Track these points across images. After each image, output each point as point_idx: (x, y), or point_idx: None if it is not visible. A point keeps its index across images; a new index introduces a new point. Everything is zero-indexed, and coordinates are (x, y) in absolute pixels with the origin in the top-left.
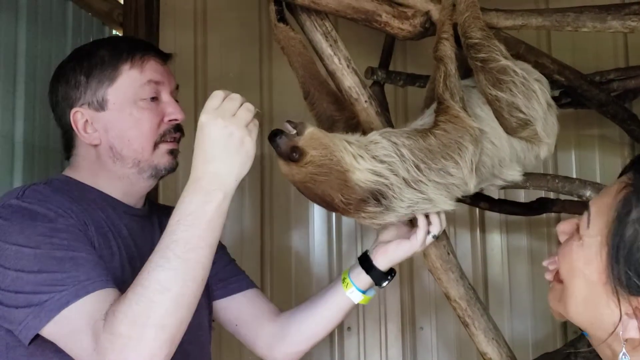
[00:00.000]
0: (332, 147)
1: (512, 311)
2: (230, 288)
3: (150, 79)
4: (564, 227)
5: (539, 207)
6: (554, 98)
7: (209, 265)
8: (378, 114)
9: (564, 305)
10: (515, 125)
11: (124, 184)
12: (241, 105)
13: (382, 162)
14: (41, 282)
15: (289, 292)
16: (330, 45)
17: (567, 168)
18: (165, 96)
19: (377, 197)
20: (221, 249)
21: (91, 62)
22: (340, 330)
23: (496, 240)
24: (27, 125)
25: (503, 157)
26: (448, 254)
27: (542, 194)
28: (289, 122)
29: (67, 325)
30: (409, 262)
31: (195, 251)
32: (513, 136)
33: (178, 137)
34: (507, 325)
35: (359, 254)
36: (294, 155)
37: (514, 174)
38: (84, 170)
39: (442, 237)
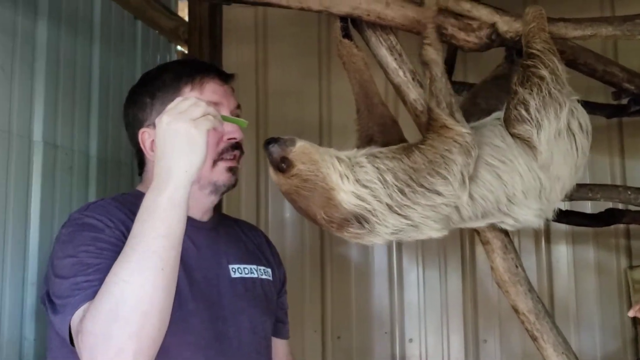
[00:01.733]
0: (320, 164)
1: (579, 325)
2: (276, 329)
3: (209, 100)
4: None
5: (608, 219)
6: (622, 106)
7: (169, 255)
8: None
9: None
10: (512, 118)
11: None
12: (196, 104)
13: (364, 186)
14: (68, 287)
15: (349, 302)
16: (395, 59)
17: (635, 178)
18: (222, 113)
19: (360, 220)
20: (284, 293)
21: (155, 85)
22: (402, 342)
23: (562, 252)
24: (101, 140)
25: (512, 194)
26: (516, 266)
27: (609, 204)
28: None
29: (74, 327)
30: (472, 274)
31: (150, 242)
32: (509, 131)
33: (237, 155)
34: (574, 339)
35: (420, 263)
36: (282, 165)
37: (527, 214)
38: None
39: (510, 250)
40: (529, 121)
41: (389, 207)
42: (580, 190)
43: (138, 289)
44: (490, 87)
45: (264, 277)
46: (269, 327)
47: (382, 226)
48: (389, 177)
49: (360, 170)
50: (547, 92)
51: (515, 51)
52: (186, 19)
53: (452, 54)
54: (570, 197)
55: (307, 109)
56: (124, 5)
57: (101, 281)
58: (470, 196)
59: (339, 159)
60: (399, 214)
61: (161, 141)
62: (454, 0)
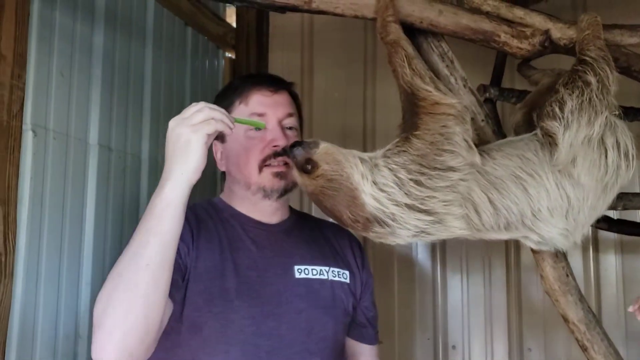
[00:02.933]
0: (344, 164)
1: (627, 336)
2: (359, 334)
3: (253, 112)
4: None
5: None
6: None
7: (156, 252)
8: (495, 133)
9: None
10: (545, 113)
11: (248, 203)
12: (200, 110)
13: (381, 190)
14: None
15: (392, 308)
16: (447, 66)
17: None
18: (271, 124)
19: (380, 222)
20: (368, 298)
21: (220, 99)
22: (445, 348)
23: (610, 261)
24: (152, 143)
25: (538, 209)
26: (567, 275)
27: None
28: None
29: None
30: (517, 281)
31: (142, 239)
32: (539, 124)
33: (284, 160)
34: (622, 351)
35: (464, 270)
36: (307, 167)
37: (552, 232)
38: (225, 193)
39: (560, 259)
40: (560, 119)
41: (409, 207)
42: (634, 200)
43: (129, 283)
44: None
45: (336, 279)
46: (338, 329)
47: (404, 229)
48: (403, 174)
49: (378, 172)
50: (587, 98)
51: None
52: (234, 25)
53: (502, 61)
54: (623, 207)
55: (352, 115)
56: (176, 11)
57: None
58: (493, 205)
59: (361, 159)
60: (421, 211)
61: (166, 145)
62: (506, 7)
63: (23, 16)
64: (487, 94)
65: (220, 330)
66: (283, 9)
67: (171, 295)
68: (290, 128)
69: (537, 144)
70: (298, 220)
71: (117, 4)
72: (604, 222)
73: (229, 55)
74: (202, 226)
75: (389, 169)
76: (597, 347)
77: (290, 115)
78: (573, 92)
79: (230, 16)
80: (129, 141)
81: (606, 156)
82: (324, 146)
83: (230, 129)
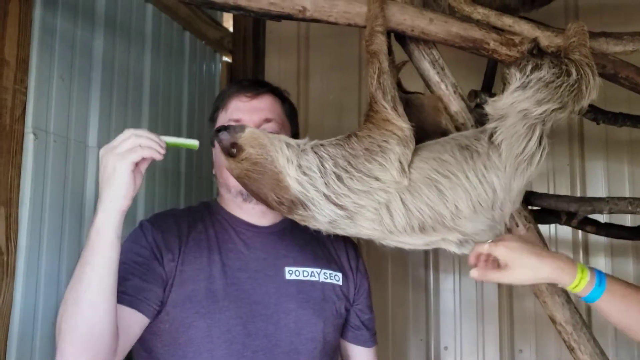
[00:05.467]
0: (269, 147)
1: (617, 339)
2: (353, 336)
3: (231, 118)
4: None
5: None
6: None
7: (90, 279)
8: None
9: None
10: (518, 63)
11: (236, 206)
12: (127, 138)
13: (304, 174)
14: None
15: (385, 309)
16: (438, 73)
17: None
18: None
19: (303, 205)
20: (362, 301)
21: (212, 109)
22: (437, 349)
23: (600, 265)
24: None
25: (456, 208)
26: None
27: None
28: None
29: None
30: (509, 284)
31: (78, 269)
32: (507, 67)
33: None
34: (612, 353)
35: (456, 271)
36: (232, 150)
37: (477, 226)
38: (219, 195)
39: None
40: (525, 76)
41: (326, 196)
42: (620, 204)
43: (70, 307)
44: None
45: (327, 280)
46: (328, 330)
47: (320, 215)
48: (329, 165)
49: (303, 156)
50: (559, 83)
51: None
52: (231, 29)
53: (493, 67)
54: (609, 210)
55: (346, 119)
56: (173, 16)
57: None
58: (405, 206)
59: (287, 144)
60: (335, 204)
61: (98, 174)
62: (495, 15)
63: (26, 22)
64: (478, 100)
65: (206, 330)
66: (279, 17)
67: (142, 309)
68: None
69: (453, 144)
70: (292, 223)
71: (117, 10)
72: (592, 226)
73: (226, 59)
74: (193, 230)
75: (317, 155)
76: (583, 348)
77: (267, 120)
78: (552, 68)
79: (227, 21)
80: None
81: (529, 140)
82: (250, 130)
83: (160, 153)
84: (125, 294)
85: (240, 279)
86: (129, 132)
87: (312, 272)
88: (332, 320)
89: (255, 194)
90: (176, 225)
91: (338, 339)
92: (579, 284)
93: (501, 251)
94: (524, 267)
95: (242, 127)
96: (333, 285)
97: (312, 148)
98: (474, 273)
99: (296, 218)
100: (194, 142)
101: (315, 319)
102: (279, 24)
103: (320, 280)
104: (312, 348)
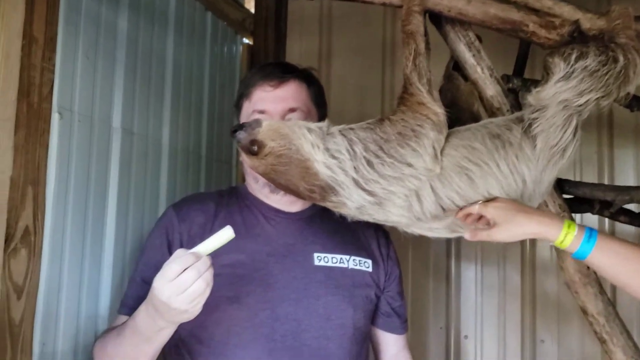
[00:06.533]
0: (291, 136)
1: None
2: (384, 323)
3: (255, 109)
4: None
5: None
6: None
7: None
8: None
9: None
10: (561, 51)
11: (263, 195)
12: (197, 279)
13: (333, 157)
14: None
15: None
16: (474, 55)
17: None
18: (274, 120)
19: (333, 190)
20: (393, 289)
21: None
22: (457, 337)
23: None
24: (172, 129)
25: (488, 195)
26: (587, 267)
27: None
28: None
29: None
30: (532, 272)
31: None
32: (549, 55)
33: None
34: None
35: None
36: (253, 148)
37: None
38: (247, 181)
39: None
40: (568, 65)
41: (355, 181)
42: None
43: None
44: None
45: (357, 267)
46: (358, 317)
47: (349, 201)
48: (358, 149)
49: (331, 140)
50: (605, 72)
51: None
52: (253, 11)
53: (525, 51)
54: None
55: (369, 102)
56: None
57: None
58: (435, 193)
59: (309, 129)
60: (363, 189)
61: (156, 303)
62: None
63: None
64: (510, 84)
65: (233, 314)
66: None
67: None
68: None
69: (484, 132)
70: (321, 209)
71: None
72: (625, 216)
73: (247, 41)
74: (220, 214)
75: (346, 138)
76: (615, 340)
77: (292, 110)
78: (598, 56)
79: (249, 2)
80: (150, 126)
81: (565, 131)
82: (267, 123)
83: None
84: (136, 304)
85: (268, 263)
86: (193, 273)
87: (341, 258)
88: (362, 307)
89: (284, 187)
90: (202, 213)
91: (368, 326)
92: (565, 239)
93: (490, 210)
94: (511, 223)
95: (258, 122)
96: (363, 272)
97: (340, 131)
98: (465, 234)
99: (329, 205)
100: (228, 235)
101: (345, 305)
102: (301, 4)
103: (350, 267)
104: (342, 334)
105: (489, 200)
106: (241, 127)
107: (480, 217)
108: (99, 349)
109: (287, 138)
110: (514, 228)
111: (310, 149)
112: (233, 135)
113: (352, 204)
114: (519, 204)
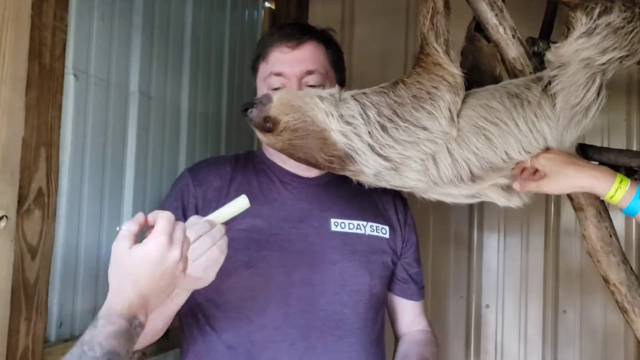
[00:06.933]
0: (304, 107)
1: None
2: (400, 289)
3: (272, 71)
4: None
5: None
6: None
7: None
8: None
9: None
10: (584, 6)
11: (280, 160)
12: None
13: (348, 123)
14: None
15: (425, 265)
16: (496, 15)
17: None
18: (291, 82)
19: (351, 158)
20: (410, 256)
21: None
22: (478, 307)
23: None
24: (191, 94)
25: (508, 155)
26: (610, 236)
27: None
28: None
29: None
30: (556, 242)
31: None
32: (572, 9)
33: None
34: None
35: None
36: (267, 125)
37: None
38: (264, 146)
39: (605, 218)
40: (591, 20)
41: (370, 147)
42: None
43: None
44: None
45: (374, 234)
46: (375, 283)
47: (366, 167)
48: (372, 113)
49: (344, 106)
50: (630, 29)
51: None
52: None
53: (552, 13)
54: None
55: (391, 69)
56: None
57: None
58: (452, 156)
59: (321, 97)
60: (379, 155)
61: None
62: None
63: None
64: (535, 47)
65: (248, 278)
66: None
67: None
68: (312, 86)
69: (502, 91)
70: (339, 175)
71: None
72: None
73: (269, 5)
74: (236, 179)
75: (359, 102)
76: (637, 310)
77: (309, 72)
78: (623, 12)
79: None
80: (168, 90)
81: (588, 90)
82: (277, 97)
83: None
84: None
85: (284, 229)
86: (208, 240)
87: (358, 224)
88: (379, 273)
89: (304, 160)
90: (218, 177)
91: (385, 292)
92: (616, 193)
93: (541, 161)
94: (561, 175)
95: (268, 98)
96: (380, 238)
97: (352, 96)
98: (515, 185)
99: (348, 174)
100: (244, 204)
101: (362, 271)
102: None
103: (367, 233)
104: (357, 300)
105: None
106: (251, 104)
107: (536, 172)
108: None
109: (301, 110)
110: (563, 180)
111: (325, 118)
112: (244, 114)
113: (370, 170)
114: (572, 155)
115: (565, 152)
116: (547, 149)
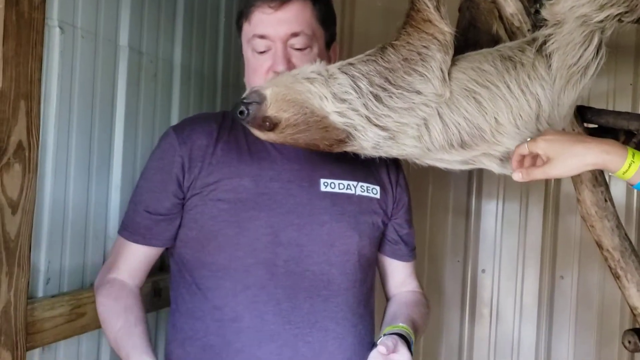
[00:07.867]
0: (300, 98)
1: None
2: (390, 250)
3: (255, 33)
4: None
5: None
6: None
7: None
8: None
9: None
10: None
11: None
12: None
13: (342, 100)
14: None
15: (423, 229)
16: None
17: None
18: (276, 45)
19: (350, 136)
20: (401, 217)
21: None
22: (474, 271)
23: None
24: (185, 50)
25: (497, 121)
26: (605, 200)
27: None
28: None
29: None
30: (555, 208)
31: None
32: None
33: None
34: None
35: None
36: (267, 125)
37: (518, 140)
38: None
39: (600, 183)
40: None
41: (368, 118)
42: None
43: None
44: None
45: (364, 194)
46: (364, 244)
47: (365, 140)
48: (363, 84)
49: (335, 82)
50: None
51: None
52: None
53: None
54: None
55: (395, 26)
56: None
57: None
58: (442, 120)
59: (310, 80)
60: (376, 125)
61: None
62: None
63: None
64: (538, 5)
65: (234, 238)
66: None
67: (156, 243)
68: (298, 49)
69: (495, 54)
70: None
71: None
72: None
73: None
74: (223, 137)
75: (348, 75)
76: (630, 276)
77: (295, 34)
78: None
79: None
80: (160, 45)
81: (585, 49)
82: (270, 93)
83: None
84: (138, 232)
85: (272, 188)
86: None
87: (348, 184)
88: (369, 234)
89: (307, 146)
90: (204, 135)
91: (375, 253)
92: (629, 169)
93: (541, 145)
94: (568, 155)
95: (259, 95)
96: (370, 198)
97: (340, 69)
98: (516, 175)
99: (348, 149)
100: None
101: (350, 231)
102: None
103: (357, 193)
104: (345, 260)
105: (538, 135)
106: (244, 104)
107: (536, 157)
108: (104, 308)
109: (297, 102)
110: (572, 160)
111: (320, 103)
112: (241, 118)
113: (368, 143)
114: (572, 134)
115: (563, 131)
116: (545, 131)
